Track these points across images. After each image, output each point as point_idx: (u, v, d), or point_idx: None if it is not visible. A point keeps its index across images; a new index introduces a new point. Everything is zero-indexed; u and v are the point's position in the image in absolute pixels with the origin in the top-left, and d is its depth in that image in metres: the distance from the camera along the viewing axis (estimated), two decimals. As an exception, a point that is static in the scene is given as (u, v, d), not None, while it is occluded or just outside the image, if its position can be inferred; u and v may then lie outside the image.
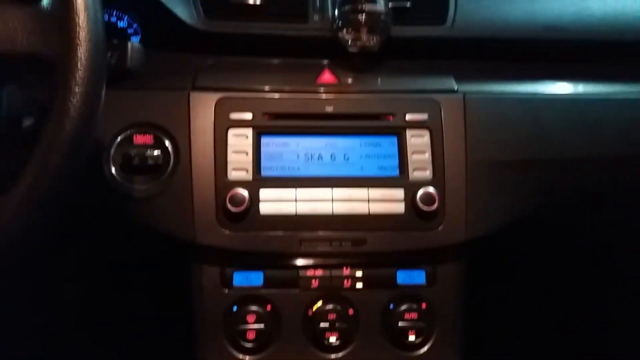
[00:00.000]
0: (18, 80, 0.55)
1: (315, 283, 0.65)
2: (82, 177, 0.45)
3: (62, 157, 0.41)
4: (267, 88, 0.68)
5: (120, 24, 0.76)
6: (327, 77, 0.70)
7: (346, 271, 0.66)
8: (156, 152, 0.64)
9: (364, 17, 0.66)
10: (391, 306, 0.67)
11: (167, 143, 0.65)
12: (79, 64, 0.41)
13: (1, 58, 0.42)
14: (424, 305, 0.67)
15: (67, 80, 0.41)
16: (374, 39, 0.67)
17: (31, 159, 0.41)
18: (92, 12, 0.43)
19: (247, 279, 0.65)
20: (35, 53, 0.42)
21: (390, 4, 0.68)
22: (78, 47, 0.42)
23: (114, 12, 0.75)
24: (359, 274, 0.66)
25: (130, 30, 0.75)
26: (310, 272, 0.66)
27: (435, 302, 0.67)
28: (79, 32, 0.42)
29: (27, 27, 0.42)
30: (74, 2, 0.42)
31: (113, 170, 0.64)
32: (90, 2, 0.43)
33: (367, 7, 0.66)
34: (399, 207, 0.64)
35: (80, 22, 0.42)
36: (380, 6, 0.66)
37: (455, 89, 0.69)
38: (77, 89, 0.41)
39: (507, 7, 0.74)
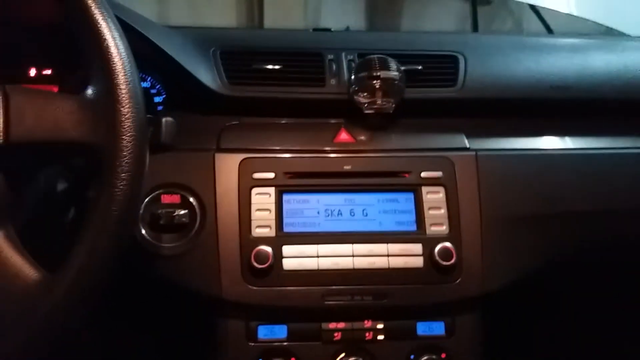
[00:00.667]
0: (63, 164, 0.59)
1: (337, 336, 0.67)
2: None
3: (110, 240, 0.44)
4: (287, 148, 0.71)
5: (144, 84, 0.80)
6: (343, 136, 0.73)
7: (367, 323, 0.68)
8: (183, 212, 0.67)
9: (379, 82, 0.70)
10: (412, 357, 0.68)
11: (193, 202, 0.68)
12: (124, 152, 0.45)
13: (50, 146, 0.46)
14: (443, 356, 0.69)
15: (113, 167, 0.44)
16: (389, 102, 0.71)
17: (80, 241, 0.44)
18: (135, 102, 0.46)
19: (272, 332, 0.67)
20: (83, 142, 0.45)
21: (403, 68, 0.72)
22: (123, 136, 0.45)
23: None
24: (380, 326, 0.68)
25: (153, 91, 0.80)
26: (332, 325, 0.67)
27: (455, 352, 0.69)
28: (124, 122, 0.45)
29: (75, 117, 0.45)
30: (119, 93, 0.46)
31: (142, 229, 0.67)
32: (133, 92, 0.46)
33: (382, 73, 0.70)
34: (418, 262, 0.67)
35: (125, 112, 0.45)
36: (394, 72, 0.71)
37: (467, 146, 0.73)
38: (122, 176, 0.44)
39: (514, 67, 0.79)
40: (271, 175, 0.69)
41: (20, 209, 0.49)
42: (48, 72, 0.80)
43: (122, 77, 0.46)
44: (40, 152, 0.47)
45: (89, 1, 0.47)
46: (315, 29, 0.98)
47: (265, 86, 0.74)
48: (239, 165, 0.69)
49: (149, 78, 0.80)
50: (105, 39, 0.46)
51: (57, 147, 0.46)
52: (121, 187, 0.45)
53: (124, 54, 0.47)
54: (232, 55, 0.75)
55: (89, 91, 0.47)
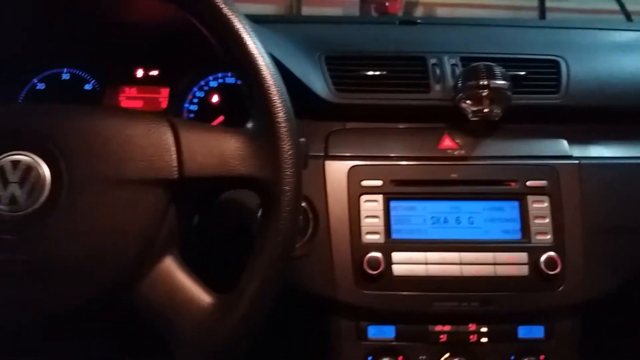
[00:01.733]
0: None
1: (443, 337, 0.71)
2: None
3: (279, 267, 0.48)
4: (393, 155, 0.73)
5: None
6: (447, 142, 0.75)
7: (472, 327, 0.71)
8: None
9: (486, 91, 0.71)
10: (512, 358, 0.72)
11: (306, 208, 0.71)
12: (288, 186, 0.47)
13: (218, 180, 0.48)
14: (542, 357, 0.72)
15: (279, 200, 0.47)
16: (496, 110, 0.72)
17: (251, 269, 0.47)
18: (295, 137, 0.49)
19: (381, 332, 0.71)
20: (249, 176, 0.48)
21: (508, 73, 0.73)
22: (287, 171, 0.48)
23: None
24: (484, 329, 0.71)
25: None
26: (439, 328, 0.71)
27: (553, 354, 0.72)
28: (286, 158, 0.48)
29: (240, 152, 0.48)
30: (281, 131, 0.48)
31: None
32: (293, 128, 0.49)
33: (491, 82, 0.70)
34: (523, 270, 0.69)
35: (286, 148, 0.48)
36: (502, 81, 0.71)
37: (571, 154, 0.74)
38: (287, 208, 0.47)
39: (616, 70, 0.78)
40: (379, 183, 0.71)
41: (186, 236, 0.52)
42: (155, 73, 0.82)
43: (283, 115, 0.48)
44: (207, 185, 0.50)
45: (248, 41, 0.49)
46: (401, 22, 0.97)
47: (371, 92, 0.75)
48: (348, 172, 0.72)
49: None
50: (265, 79, 0.48)
51: (224, 182, 0.48)
52: (286, 218, 0.48)
53: (282, 91, 0.49)
54: (337, 61, 0.76)
55: (251, 125, 0.50)
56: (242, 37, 0.49)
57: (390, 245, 0.70)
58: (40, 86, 0.80)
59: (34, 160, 0.46)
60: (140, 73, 0.82)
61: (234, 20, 0.49)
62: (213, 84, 0.82)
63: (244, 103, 0.80)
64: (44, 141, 0.46)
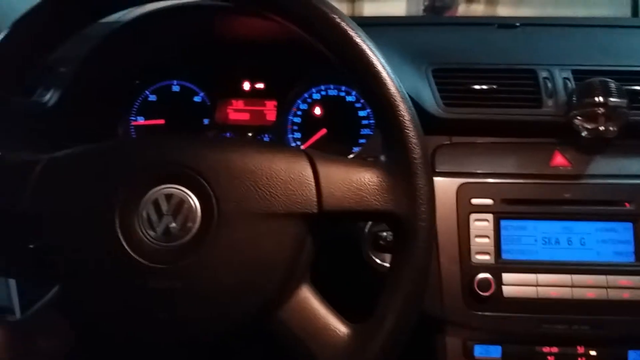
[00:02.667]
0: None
1: (550, 359, 0.71)
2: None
3: (415, 301, 0.49)
4: (503, 172, 0.72)
5: (349, 98, 0.83)
6: (559, 159, 0.73)
7: (580, 349, 0.70)
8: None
9: (603, 109, 0.68)
10: None
11: None
12: (424, 222, 0.48)
13: (355, 214, 0.50)
14: None
15: (416, 236, 0.48)
16: (611, 127, 0.70)
17: (388, 302, 0.49)
18: (429, 173, 0.49)
19: (487, 351, 0.72)
20: (385, 211, 0.49)
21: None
22: (422, 207, 0.48)
23: (343, 87, 0.83)
24: (593, 352, 0.70)
25: (357, 104, 0.83)
26: (546, 349, 0.71)
27: None
28: (422, 194, 0.48)
29: (376, 187, 0.49)
30: (416, 167, 0.48)
31: (367, 249, 0.71)
32: (427, 163, 0.49)
33: (607, 100, 0.68)
34: (637, 294, 0.68)
35: (422, 185, 0.48)
36: (619, 99, 0.68)
37: None
38: (423, 244, 0.48)
39: None
40: (489, 201, 0.71)
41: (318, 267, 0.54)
42: (261, 86, 0.84)
43: (418, 151, 0.49)
44: (343, 218, 0.52)
45: (383, 74, 0.49)
46: (500, 25, 0.94)
47: (480, 107, 0.74)
48: (457, 190, 0.71)
49: (354, 92, 0.82)
50: (400, 112, 0.49)
51: (360, 215, 0.50)
52: (422, 255, 0.49)
53: (417, 122, 0.49)
54: (445, 74, 0.76)
55: (386, 159, 0.50)
56: (375, 66, 0.49)
57: (501, 266, 0.70)
58: (152, 98, 0.84)
59: (186, 193, 0.48)
60: (247, 86, 0.84)
61: (363, 47, 0.49)
62: (316, 96, 0.83)
63: (346, 115, 0.83)
64: (195, 175, 0.48)
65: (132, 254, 0.47)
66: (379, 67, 0.49)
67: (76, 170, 0.50)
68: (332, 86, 0.82)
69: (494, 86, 0.75)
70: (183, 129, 0.84)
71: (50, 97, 0.76)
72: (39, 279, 0.56)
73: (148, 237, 0.48)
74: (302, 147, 0.83)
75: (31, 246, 0.67)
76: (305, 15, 0.49)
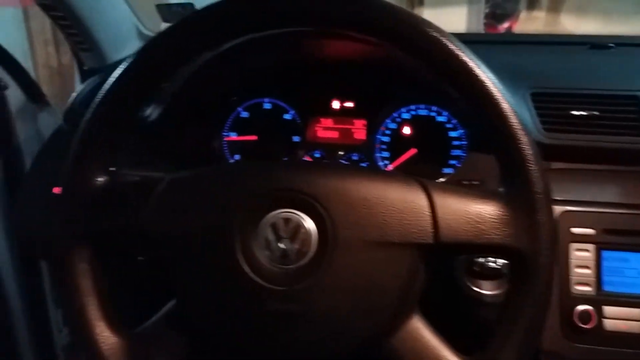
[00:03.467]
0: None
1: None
2: None
3: (533, 337, 0.48)
4: (606, 202, 0.70)
5: (439, 118, 0.82)
6: (664, 190, 0.70)
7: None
8: (502, 262, 0.69)
9: None
10: None
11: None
12: (545, 260, 0.47)
13: (471, 247, 0.49)
14: None
15: (536, 273, 0.47)
16: None
17: (508, 336, 0.48)
18: (550, 209, 0.48)
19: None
20: (503, 245, 0.48)
21: None
22: (543, 244, 0.47)
23: (434, 107, 0.82)
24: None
25: (449, 125, 0.82)
26: None
27: None
28: (543, 230, 0.47)
29: (495, 220, 0.48)
30: (537, 203, 0.47)
31: (462, 276, 0.71)
32: (549, 199, 0.48)
33: None
34: None
35: (543, 220, 0.47)
36: None
37: None
38: (544, 282, 0.47)
39: None
40: (591, 231, 0.69)
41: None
42: (350, 104, 0.85)
43: (541, 185, 0.48)
44: (457, 251, 0.51)
45: (501, 103, 0.48)
46: (593, 45, 0.92)
47: (580, 134, 0.72)
48: (559, 217, 0.70)
49: (446, 112, 0.82)
50: (522, 145, 0.48)
51: (476, 248, 0.49)
52: (543, 292, 0.48)
53: (538, 155, 0.48)
54: (545, 98, 0.74)
55: (505, 190, 0.49)
56: (495, 97, 0.48)
57: (602, 298, 0.67)
58: (244, 114, 0.86)
59: (303, 218, 0.49)
60: (336, 104, 0.85)
61: (483, 78, 0.49)
62: (405, 115, 0.83)
63: (436, 136, 0.82)
64: (312, 201, 0.49)
65: (251, 275, 0.49)
66: (499, 98, 0.49)
67: (198, 192, 0.52)
68: (422, 106, 0.82)
69: (595, 112, 0.73)
70: (274, 146, 0.85)
71: (151, 112, 0.79)
72: (154, 293, 0.58)
73: (266, 259, 0.49)
74: (391, 166, 0.83)
75: (140, 258, 0.71)
76: (423, 46, 0.48)
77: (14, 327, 0.96)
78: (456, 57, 0.48)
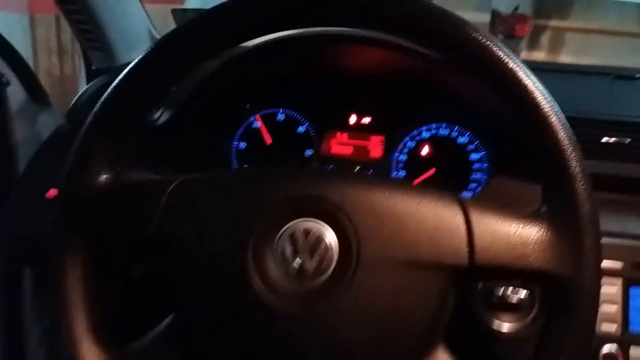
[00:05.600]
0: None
1: None
2: None
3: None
4: (635, 235, 0.66)
5: (461, 139, 0.79)
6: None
7: None
8: (523, 293, 0.65)
9: None
10: None
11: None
12: (591, 289, 0.43)
13: (507, 271, 0.45)
14: None
15: (580, 304, 0.43)
16: None
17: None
18: (598, 234, 0.44)
19: None
20: (545, 271, 0.44)
21: None
22: (589, 271, 0.43)
23: (456, 127, 0.79)
24: None
25: (470, 146, 0.79)
26: None
27: None
28: (590, 255, 0.44)
29: (537, 244, 0.44)
30: (586, 225, 0.44)
31: (480, 308, 0.66)
32: (598, 221, 0.45)
33: None
34: None
35: (590, 246, 0.44)
36: None
37: None
38: (589, 313, 0.44)
39: None
40: (618, 265, 0.65)
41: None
42: (367, 120, 0.81)
43: (588, 208, 0.44)
44: (493, 275, 0.47)
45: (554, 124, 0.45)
46: (617, 76, 0.89)
47: (610, 161, 0.69)
48: None
49: (468, 133, 0.78)
50: (573, 167, 0.44)
51: (514, 272, 0.45)
52: (587, 324, 0.43)
53: (589, 178, 0.45)
54: (574, 123, 0.71)
55: (548, 210, 0.46)
56: (543, 108, 0.45)
57: (629, 338, 0.63)
58: (256, 125, 0.82)
59: (324, 230, 0.45)
60: (353, 119, 0.81)
61: (533, 90, 0.46)
62: (425, 134, 0.79)
63: (456, 157, 0.78)
64: (337, 212, 0.45)
65: (262, 290, 0.44)
66: (549, 110, 0.45)
67: (211, 195, 0.48)
68: (443, 125, 0.79)
69: (626, 140, 0.70)
70: (284, 159, 0.81)
71: (160, 115, 0.76)
72: (148, 308, 0.54)
73: (280, 274, 0.45)
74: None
75: (139, 268, 0.66)
76: (480, 59, 0.45)
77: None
78: (506, 65, 0.45)
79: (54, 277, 0.47)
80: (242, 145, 0.82)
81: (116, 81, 0.50)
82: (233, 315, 0.46)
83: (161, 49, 0.51)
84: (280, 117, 0.82)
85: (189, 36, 0.50)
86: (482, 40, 0.45)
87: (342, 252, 0.44)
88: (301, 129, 0.82)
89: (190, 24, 0.50)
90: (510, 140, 0.72)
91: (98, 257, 0.49)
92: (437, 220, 0.45)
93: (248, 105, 0.81)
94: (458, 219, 0.45)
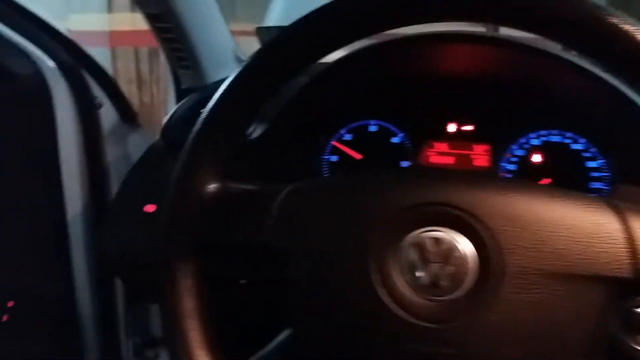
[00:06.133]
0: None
1: None
2: None
3: None
4: None
5: (574, 146, 0.72)
6: None
7: None
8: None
9: None
10: None
11: None
12: None
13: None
14: None
15: None
16: None
17: None
18: None
19: None
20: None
21: None
22: None
23: (569, 133, 0.72)
24: None
25: (586, 154, 0.71)
26: None
27: None
28: None
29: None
30: None
31: (619, 331, 0.58)
32: None
33: None
34: None
35: None
36: None
37: None
38: None
39: None
40: None
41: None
42: (469, 128, 0.76)
43: None
44: None
45: None
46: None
47: None
48: None
49: (582, 140, 0.71)
50: None
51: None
52: None
53: None
54: None
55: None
56: None
57: None
58: (347, 137, 0.79)
59: (457, 239, 0.40)
60: (452, 128, 0.76)
61: None
62: (535, 141, 0.73)
63: (571, 165, 0.71)
64: (471, 219, 0.40)
65: (390, 305, 0.40)
66: None
67: (328, 202, 0.44)
68: (555, 131, 0.72)
69: None
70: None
71: (253, 129, 0.74)
72: (256, 321, 0.50)
73: (408, 287, 0.40)
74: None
75: (243, 281, 0.63)
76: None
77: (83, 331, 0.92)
78: None
79: (166, 286, 0.45)
80: (334, 158, 0.79)
81: (221, 91, 0.48)
82: (356, 330, 0.41)
83: (268, 53, 0.48)
84: (373, 128, 0.78)
85: (294, 40, 0.47)
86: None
87: (480, 263, 0.39)
88: (395, 139, 0.77)
89: (293, 28, 0.47)
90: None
91: (208, 268, 0.46)
92: (590, 227, 0.39)
93: (338, 118, 0.78)
94: (614, 225, 0.39)
